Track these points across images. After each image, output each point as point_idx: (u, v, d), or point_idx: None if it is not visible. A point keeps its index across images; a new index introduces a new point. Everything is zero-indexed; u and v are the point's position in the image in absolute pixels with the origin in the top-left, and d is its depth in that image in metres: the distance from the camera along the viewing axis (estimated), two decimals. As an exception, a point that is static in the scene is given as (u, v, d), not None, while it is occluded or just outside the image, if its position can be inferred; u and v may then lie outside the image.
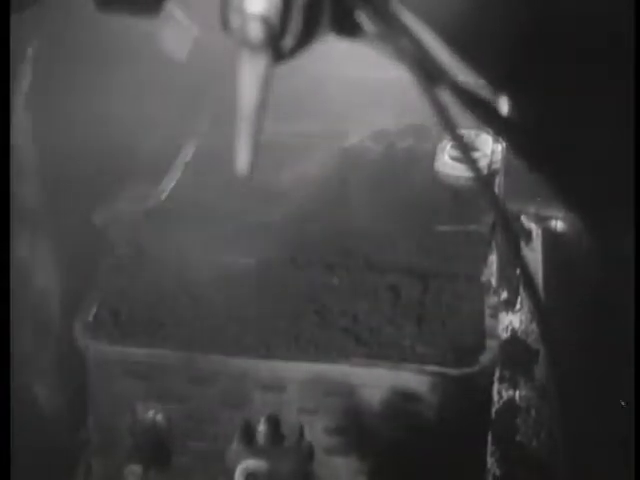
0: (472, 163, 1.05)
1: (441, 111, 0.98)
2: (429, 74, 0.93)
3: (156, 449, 1.25)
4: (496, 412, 1.28)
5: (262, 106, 0.81)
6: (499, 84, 0.95)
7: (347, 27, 0.96)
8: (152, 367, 1.24)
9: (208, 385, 1.25)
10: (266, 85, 0.80)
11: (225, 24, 0.78)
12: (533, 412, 1.28)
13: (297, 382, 1.24)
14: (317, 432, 1.25)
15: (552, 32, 0.83)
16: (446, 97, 1.02)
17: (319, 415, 1.24)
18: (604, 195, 0.95)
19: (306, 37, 0.83)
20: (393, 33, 0.90)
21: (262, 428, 1.19)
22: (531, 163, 1.18)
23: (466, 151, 1.06)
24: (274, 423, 1.20)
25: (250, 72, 0.79)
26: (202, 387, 1.25)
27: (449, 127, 1.00)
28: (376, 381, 1.24)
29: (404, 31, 0.89)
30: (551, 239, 1.43)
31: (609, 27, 0.82)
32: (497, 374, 1.29)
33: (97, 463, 1.31)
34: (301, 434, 1.24)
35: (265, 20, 0.76)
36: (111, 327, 1.29)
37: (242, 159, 0.82)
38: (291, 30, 0.80)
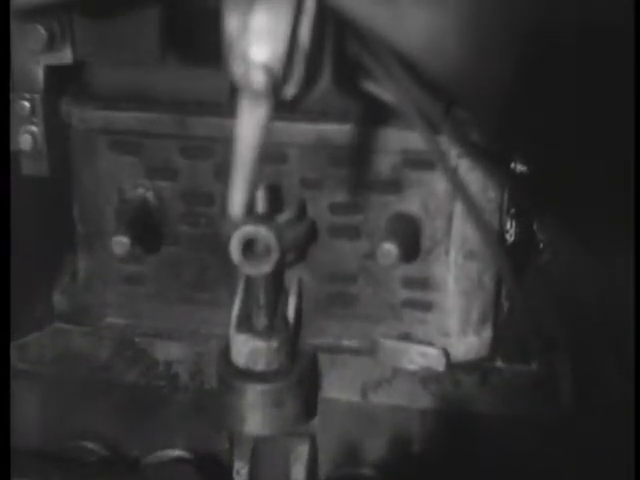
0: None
1: (442, 159, 1.00)
2: (429, 121, 0.94)
3: (145, 227, 1.18)
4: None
5: (260, 151, 0.81)
6: (499, 131, 0.96)
7: (347, 75, 0.98)
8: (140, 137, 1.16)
9: (202, 158, 1.17)
10: (265, 131, 0.81)
11: (228, 70, 0.79)
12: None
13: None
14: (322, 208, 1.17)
15: (552, 80, 0.84)
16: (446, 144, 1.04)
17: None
18: (605, 228, 0.95)
19: (307, 86, 0.84)
20: (392, 80, 0.91)
21: (261, 194, 1.14)
22: (533, 208, 1.19)
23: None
24: (274, 191, 1.14)
25: (250, 118, 0.80)
26: (196, 160, 1.17)
27: (448, 174, 1.01)
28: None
29: (405, 78, 0.90)
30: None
31: (612, 68, 0.83)
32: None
33: (83, 259, 1.25)
34: (304, 209, 1.16)
35: (269, 69, 0.77)
36: None
37: (236, 201, 0.83)
38: (293, 79, 0.82)
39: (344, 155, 1.12)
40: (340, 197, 1.14)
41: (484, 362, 1.20)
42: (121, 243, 1.11)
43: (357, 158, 1.12)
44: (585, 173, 0.88)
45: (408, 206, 1.13)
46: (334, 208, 1.15)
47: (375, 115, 1.10)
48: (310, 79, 0.84)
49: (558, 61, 0.82)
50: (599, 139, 0.85)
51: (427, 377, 1.20)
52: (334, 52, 0.90)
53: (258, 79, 0.77)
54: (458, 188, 1.03)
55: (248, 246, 1.06)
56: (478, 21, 0.81)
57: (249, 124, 0.81)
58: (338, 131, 1.10)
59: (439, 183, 1.12)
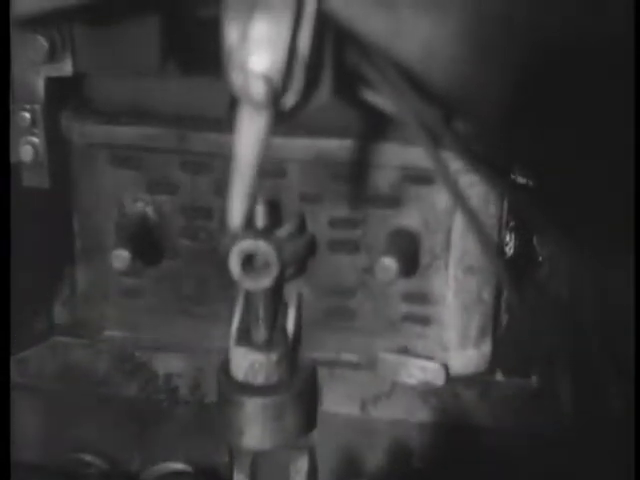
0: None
1: (442, 169, 0.99)
2: (431, 132, 0.94)
3: (145, 241, 1.18)
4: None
5: (259, 161, 0.82)
6: (499, 141, 0.96)
7: (347, 85, 0.98)
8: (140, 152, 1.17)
9: (202, 173, 1.18)
10: (264, 141, 0.81)
11: (228, 80, 0.79)
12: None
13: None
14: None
15: (552, 89, 0.84)
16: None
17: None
18: (605, 237, 0.95)
19: (307, 96, 0.84)
20: (393, 90, 0.91)
21: (260, 208, 1.14)
22: (533, 221, 1.19)
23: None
24: (274, 205, 1.14)
25: (249, 128, 0.80)
26: (195, 175, 1.18)
27: (449, 185, 1.00)
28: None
29: (405, 88, 0.89)
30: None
31: (613, 76, 0.83)
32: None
33: (82, 272, 1.26)
34: (303, 223, 1.17)
35: (268, 79, 0.77)
36: None
37: (235, 212, 0.83)
38: (293, 89, 0.81)
39: (343, 170, 1.12)
40: (339, 212, 1.14)
41: (483, 376, 1.21)
42: (121, 257, 1.11)
43: (356, 173, 1.13)
44: (585, 183, 0.88)
45: (407, 221, 1.14)
46: (333, 223, 1.15)
47: (374, 130, 1.10)
48: (309, 89, 0.84)
49: (559, 70, 0.82)
50: (600, 148, 0.86)
51: (426, 391, 1.21)
52: (334, 62, 0.89)
53: (258, 89, 0.77)
54: (458, 198, 1.03)
55: (247, 261, 1.07)
56: (478, 30, 0.81)
57: (248, 134, 0.81)
58: (338, 146, 1.11)
59: (438, 198, 1.12)
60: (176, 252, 1.19)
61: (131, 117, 1.14)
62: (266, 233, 1.10)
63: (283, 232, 1.12)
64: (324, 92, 0.89)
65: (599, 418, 1.18)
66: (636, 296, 0.95)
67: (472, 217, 1.03)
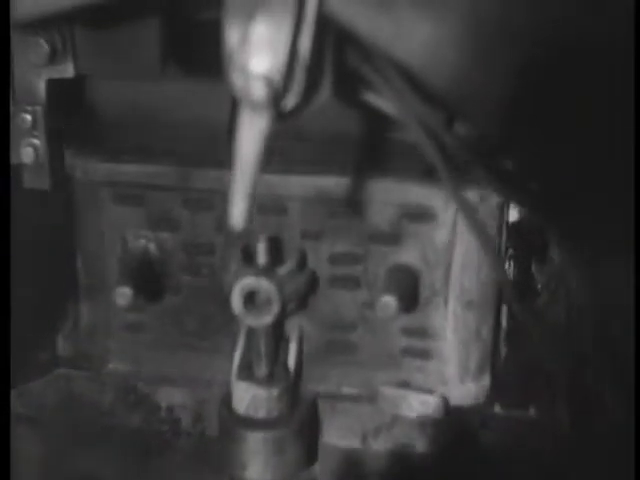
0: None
1: (443, 170, 0.99)
2: (431, 132, 0.94)
3: (148, 277, 1.20)
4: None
5: (260, 162, 0.82)
6: (498, 139, 0.96)
7: (347, 87, 0.98)
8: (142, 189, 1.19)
9: (203, 210, 1.19)
10: (265, 142, 0.81)
11: (228, 82, 0.79)
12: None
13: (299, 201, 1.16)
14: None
15: (552, 93, 0.84)
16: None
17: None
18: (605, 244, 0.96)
19: (307, 97, 0.85)
20: (394, 92, 0.91)
21: (262, 246, 1.13)
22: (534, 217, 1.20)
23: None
24: (275, 242, 1.15)
25: (250, 129, 0.81)
26: (197, 212, 1.20)
27: (450, 185, 1.00)
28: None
29: (406, 90, 0.90)
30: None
31: (613, 78, 0.84)
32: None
33: (86, 307, 1.26)
34: (304, 260, 1.18)
35: (269, 81, 0.78)
36: None
37: (237, 213, 0.83)
38: (293, 90, 0.82)
39: (343, 207, 1.13)
40: (340, 248, 1.15)
41: (482, 408, 1.22)
42: (124, 295, 1.12)
43: (356, 210, 1.14)
44: (585, 182, 0.89)
45: (407, 257, 1.15)
46: (334, 259, 1.16)
47: (373, 168, 1.11)
48: (310, 90, 0.84)
49: (559, 70, 0.82)
50: (600, 148, 0.86)
51: (426, 423, 1.22)
52: (334, 63, 0.89)
53: (258, 90, 0.78)
54: (457, 199, 1.02)
55: (249, 298, 1.08)
56: (478, 31, 0.81)
57: (249, 135, 0.81)
58: (337, 184, 1.12)
59: (438, 235, 1.13)
60: (178, 288, 1.20)
61: (133, 155, 1.16)
62: (268, 271, 1.12)
63: (284, 269, 1.13)
64: (325, 94, 0.89)
65: (598, 436, 1.19)
66: (636, 296, 0.96)
67: (470, 215, 1.02)
